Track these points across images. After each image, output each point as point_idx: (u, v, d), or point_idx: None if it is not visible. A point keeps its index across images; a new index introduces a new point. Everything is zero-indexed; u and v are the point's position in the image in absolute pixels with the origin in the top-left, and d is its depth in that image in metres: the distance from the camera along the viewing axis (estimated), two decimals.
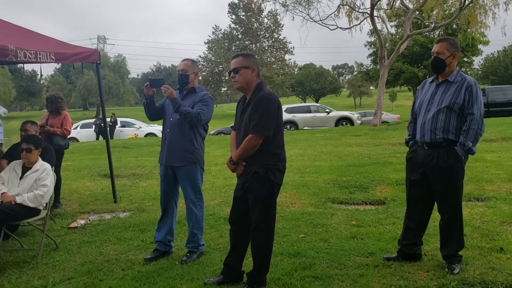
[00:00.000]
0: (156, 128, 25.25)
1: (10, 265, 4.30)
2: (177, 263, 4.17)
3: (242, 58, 3.56)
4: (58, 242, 4.85)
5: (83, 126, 24.58)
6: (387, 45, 22.71)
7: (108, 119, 22.43)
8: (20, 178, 4.55)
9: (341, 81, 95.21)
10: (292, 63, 57.58)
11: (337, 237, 4.74)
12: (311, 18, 24.22)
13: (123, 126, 25.40)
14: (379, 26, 23.47)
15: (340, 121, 24.53)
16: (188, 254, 4.27)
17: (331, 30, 24.64)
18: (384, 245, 4.41)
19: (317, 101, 60.73)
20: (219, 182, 7.87)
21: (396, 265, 3.92)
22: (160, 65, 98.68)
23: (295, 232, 4.97)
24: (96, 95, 60.84)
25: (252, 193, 3.45)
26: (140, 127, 25.85)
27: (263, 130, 3.38)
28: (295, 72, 59.75)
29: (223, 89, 58.56)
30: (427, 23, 23.79)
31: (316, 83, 64.23)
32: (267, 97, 3.44)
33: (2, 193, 4.36)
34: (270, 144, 3.44)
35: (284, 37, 55.62)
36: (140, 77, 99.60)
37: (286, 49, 54.57)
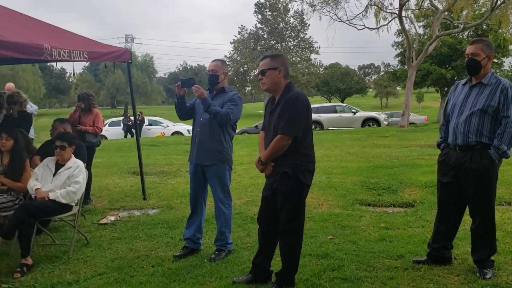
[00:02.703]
0: (183, 127, 25.50)
1: (43, 260, 4.42)
2: (205, 260, 4.22)
3: (269, 60, 3.56)
4: (89, 238, 4.96)
5: (112, 124, 25.03)
6: (415, 45, 22.35)
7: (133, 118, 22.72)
8: (54, 175, 4.66)
9: (367, 81, 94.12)
10: (318, 63, 57.25)
11: (365, 239, 4.70)
12: (338, 18, 24.08)
13: (150, 125, 25.76)
14: (407, 27, 23.17)
15: (367, 121, 24.26)
16: (217, 252, 4.32)
17: (358, 30, 24.45)
18: (413, 248, 4.35)
19: (342, 101, 60.24)
20: (245, 182, 7.91)
21: (426, 268, 3.87)
22: (186, 64, 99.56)
23: (323, 233, 4.95)
24: (124, 94, 61.86)
25: (281, 193, 3.45)
26: (167, 126, 26.16)
27: (292, 130, 3.38)
28: (321, 72, 59.38)
29: (248, 88, 58.67)
30: (456, 24, 23.31)
31: (341, 83, 63.71)
32: (296, 97, 3.44)
33: (36, 189, 4.48)
34: (299, 145, 3.44)
35: (310, 37, 55.34)
36: (167, 76, 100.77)
37: (311, 48, 54.31)
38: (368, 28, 24.07)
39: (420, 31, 31.54)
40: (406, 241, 4.59)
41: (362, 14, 23.89)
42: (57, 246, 4.82)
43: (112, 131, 23.86)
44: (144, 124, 24.60)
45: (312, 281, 3.65)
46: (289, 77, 3.63)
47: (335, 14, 24.04)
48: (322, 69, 60.38)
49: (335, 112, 25.17)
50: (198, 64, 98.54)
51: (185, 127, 25.45)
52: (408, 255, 4.17)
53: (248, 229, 5.13)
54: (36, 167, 4.87)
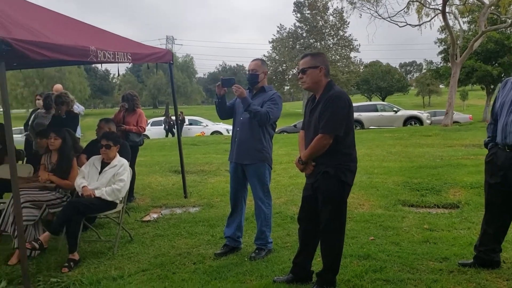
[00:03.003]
0: (222, 126, 25.75)
1: (89, 255, 4.56)
2: (246, 259, 4.24)
3: (309, 58, 3.53)
4: (133, 235, 5.09)
5: (153, 124, 25.61)
6: (459, 42, 21.64)
7: (174, 118, 23.16)
8: (99, 173, 4.81)
9: (409, 79, 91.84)
10: (358, 61, 56.36)
11: (408, 240, 4.60)
12: (379, 15, 23.63)
13: (191, 124, 26.18)
14: (450, 23, 22.43)
15: (409, 120, 23.66)
16: (257, 251, 4.33)
17: (400, 27, 23.90)
18: (458, 251, 4.22)
19: (383, 100, 59.06)
20: (284, 181, 7.89)
21: (472, 271, 3.74)
22: (225, 64, 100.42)
23: (364, 234, 4.88)
24: (165, 94, 63.03)
25: (322, 193, 3.43)
26: (207, 125, 26.51)
27: (333, 129, 3.34)
28: (361, 70, 58.44)
29: (286, 87, 58.50)
30: (503, 19, 22.38)
31: (382, 81, 62.43)
32: (337, 96, 3.40)
33: (82, 187, 4.64)
34: (341, 144, 3.39)
35: (350, 35, 54.48)
36: (206, 76, 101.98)
37: (351, 46, 53.54)
38: (410, 25, 23.49)
39: (465, 27, 30.44)
40: (451, 243, 4.46)
41: (404, 11, 23.42)
42: (103, 242, 4.97)
43: (154, 131, 24.40)
44: (185, 124, 25.01)
45: (354, 282, 3.61)
46: (329, 76, 3.60)
47: (376, 11, 23.63)
48: (362, 67, 59.40)
49: (376, 111, 24.70)
50: (237, 64, 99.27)
51: (224, 127, 25.68)
52: (453, 258, 4.04)
53: (288, 229, 5.13)
54: (82, 165, 5.04)
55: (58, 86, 8.29)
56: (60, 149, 4.95)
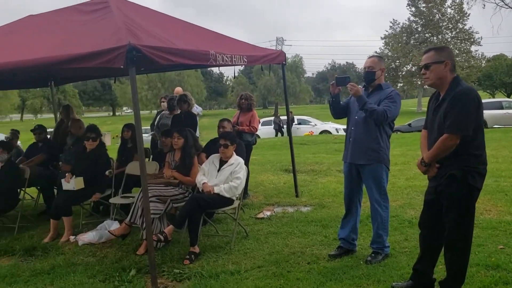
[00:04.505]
0: (331, 126, 25.48)
1: (208, 249, 4.79)
2: (361, 262, 4.13)
3: (433, 53, 3.30)
4: (248, 231, 5.24)
5: (263, 124, 26.16)
6: None
7: (284, 117, 23.46)
8: (218, 170, 5.03)
9: None
10: (479, 55, 52.00)
11: None
12: (505, 4, 21.60)
13: (300, 124, 26.31)
14: None
15: None
16: (373, 255, 4.20)
17: None
18: None
19: (508, 96, 53.78)
20: (400, 183, 7.57)
21: None
22: (334, 63, 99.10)
23: (492, 242, 4.48)
24: (274, 94, 64.05)
25: (447, 197, 3.20)
26: (316, 125, 26.44)
27: (461, 129, 3.10)
28: (483, 65, 53.81)
29: (399, 85, 56.04)
30: None
31: (507, 76, 56.85)
32: (465, 93, 3.15)
33: (203, 183, 4.89)
34: (469, 144, 3.14)
35: (470, 27, 50.41)
36: (315, 76, 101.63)
37: (472, 40, 49.57)
38: None
39: None
40: None
41: None
42: (220, 237, 5.18)
43: (264, 130, 24.94)
44: (294, 123, 25.19)
45: None
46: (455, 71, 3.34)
47: (502, 1, 21.61)
48: (484, 62, 54.68)
49: (501, 108, 22.54)
50: (346, 62, 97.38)
51: (334, 126, 25.39)
52: None
53: (405, 233, 4.89)
54: (202, 163, 5.31)
55: (179, 89, 8.84)
56: (183, 147, 5.27)
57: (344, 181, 4.47)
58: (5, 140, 6.92)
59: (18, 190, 6.18)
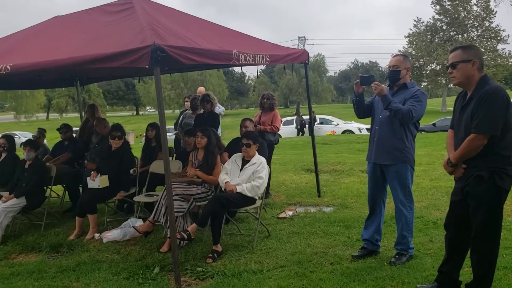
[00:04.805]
0: (353, 125, 25.27)
1: (230, 248, 4.81)
2: (385, 264, 4.09)
3: (460, 51, 3.24)
4: (270, 230, 5.24)
5: (285, 123, 26.10)
6: None
7: (306, 116, 23.38)
8: (240, 170, 5.04)
9: None
10: (507, 53, 50.77)
11: None
12: None
13: (321, 123, 26.17)
14: None
15: None
16: (397, 256, 4.15)
17: None
18: None
19: None
20: (424, 183, 7.46)
21: None
22: (357, 62, 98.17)
23: None
24: (296, 94, 63.90)
25: (474, 198, 3.14)
26: (338, 124, 26.26)
27: (489, 129, 3.04)
28: (510, 63, 52.53)
29: (424, 84, 55.22)
30: None
31: None
32: (494, 92, 3.08)
33: (225, 182, 4.91)
34: (497, 145, 3.07)
35: (497, 25, 49.28)
36: (337, 74, 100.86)
37: (499, 38, 48.49)
38: None
39: None
40: None
41: None
42: (242, 236, 5.20)
43: (285, 130, 24.89)
44: (315, 123, 25.08)
45: None
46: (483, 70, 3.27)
47: None
48: (511, 60, 53.37)
49: None
50: (369, 61, 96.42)
51: (356, 126, 25.17)
52: None
53: (430, 235, 4.82)
54: (224, 162, 5.33)
55: (202, 88, 8.90)
56: (206, 147, 5.30)
57: (368, 181, 4.42)
58: (32, 138, 7.06)
59: (45, 187, 6.32)
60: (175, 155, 6.90)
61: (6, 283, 4.20)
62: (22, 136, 30.82)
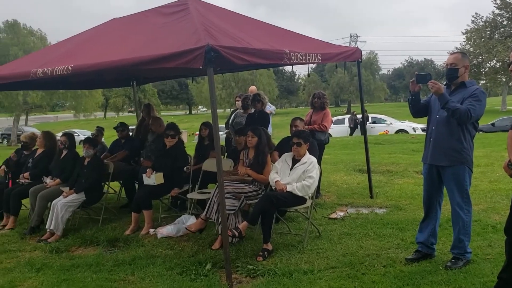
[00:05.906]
0: (407, 125, 24.59)
1: (280, 247, 4.82)
2: (441, 267, 3.96)
3: None
4: (321, 231, 5.20)
5: (336, 122, 25.78)
6: None
7: (359, 116, 22.99)
8: (291, 169, 5.03)
9: None
10: None
11: None
12: None
13: (374, 122, 25.65)
14: None
15: None
16: (453, 260, 4.01)
17: None
18: None
19: None
20: (483, 186, 7.15)
21: None
22: (412, 59, 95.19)
23: None
24: (347, 92, 62.96)
25: None
26: (391, 124, 25.64)
27: None
28: None
29: (482, 82, 52.81)
30: None
31: None
32: None
33: (276, 181, 4.92)
34: None
35: None
36: (390, 72, 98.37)
37: None
38: None
39: None
40: None
41: None
42: (293, 235, 5.19)
43: (336, 129, 24.58)
44: (368, 122, 24.61)
45: None
46: None
47: None
48: None
49: None
50: (424, 58, 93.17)
51: (410, 125, 24.48)
52: None
53: (489, 239, 4.62)
54: (275, 161, 5.35)
55: (253, 88, 8.96)
56: (257, 146, 5.33)
57: (423, 183, 4.30)
58: (91, 136, 7.37)
59: (103, 184, 6.59)
60: (226, 153, 7.00)
61: (67, 274, 4.42)
62: (81, 134, 32.36)
